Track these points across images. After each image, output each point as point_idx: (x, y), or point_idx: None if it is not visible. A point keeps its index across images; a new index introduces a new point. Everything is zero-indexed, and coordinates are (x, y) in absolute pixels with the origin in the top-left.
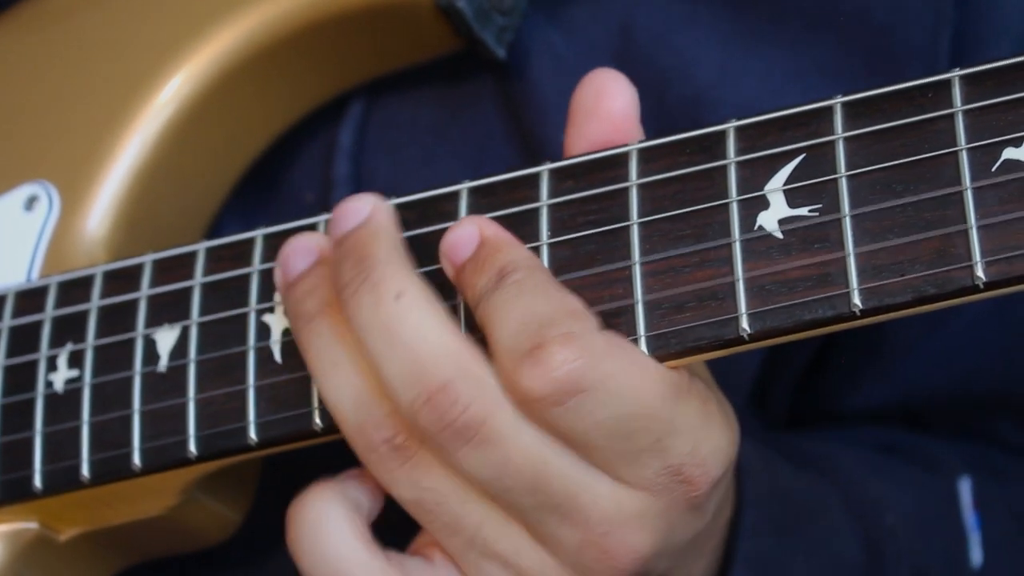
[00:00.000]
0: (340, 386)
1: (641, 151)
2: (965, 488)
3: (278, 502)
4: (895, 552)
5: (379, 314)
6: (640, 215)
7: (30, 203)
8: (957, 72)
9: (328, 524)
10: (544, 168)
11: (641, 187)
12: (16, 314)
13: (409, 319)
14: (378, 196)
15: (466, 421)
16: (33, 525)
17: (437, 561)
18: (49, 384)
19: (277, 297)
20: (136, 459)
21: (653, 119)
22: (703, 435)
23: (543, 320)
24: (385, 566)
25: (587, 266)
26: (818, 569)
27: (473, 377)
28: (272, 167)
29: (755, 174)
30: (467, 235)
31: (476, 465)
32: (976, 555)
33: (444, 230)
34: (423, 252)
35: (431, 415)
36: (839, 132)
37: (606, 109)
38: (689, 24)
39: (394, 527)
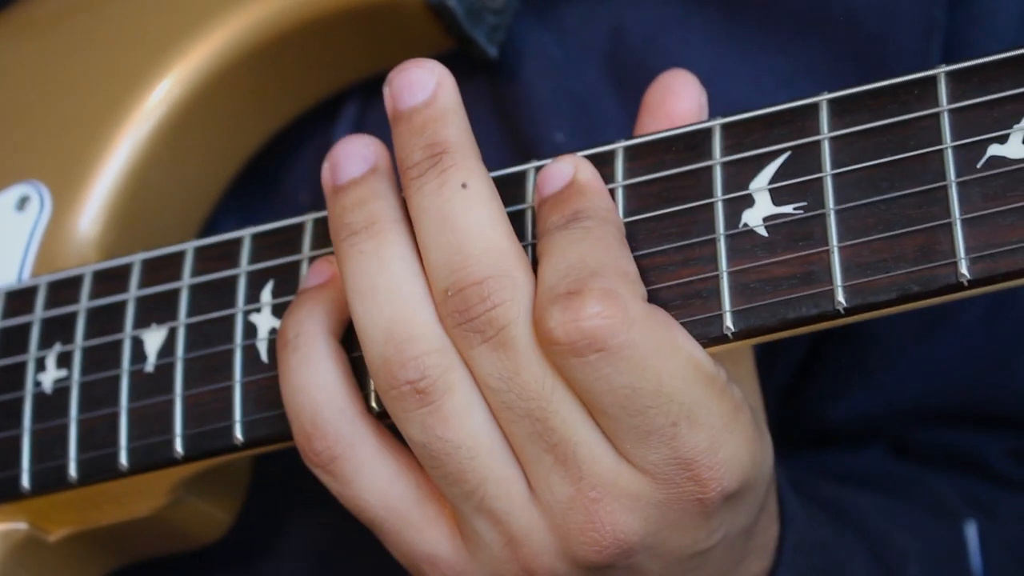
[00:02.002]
0: (374, 313)
1: (627, 148)
2: (972, 533)
3: (269, 503)
4: None
5: (440, 199)
6: (625, 214)
7: (22, 203)
8: (943, 69)
9: (315, 372)
10: (530, 166)
11: (627, 186)
12: (5, 315)
13: (467, 210)
14: (438, 64)
15: (489, 319)
16: (22, 525)
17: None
18: (37, 384)
19: (264, 297)
20: (123, 459)
21: None
22: (725, 437)
23: (592, 269)
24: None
25: None
26: None
27: (510, 281)
28: (268, 167)
29: (740, 172)
30: (560, 171)
31: (487, 367)
32: None
33: None
34: None
35: (459, 304)
36: (825, 130)
37: (668, 109)
38: (680, 27)
39: None
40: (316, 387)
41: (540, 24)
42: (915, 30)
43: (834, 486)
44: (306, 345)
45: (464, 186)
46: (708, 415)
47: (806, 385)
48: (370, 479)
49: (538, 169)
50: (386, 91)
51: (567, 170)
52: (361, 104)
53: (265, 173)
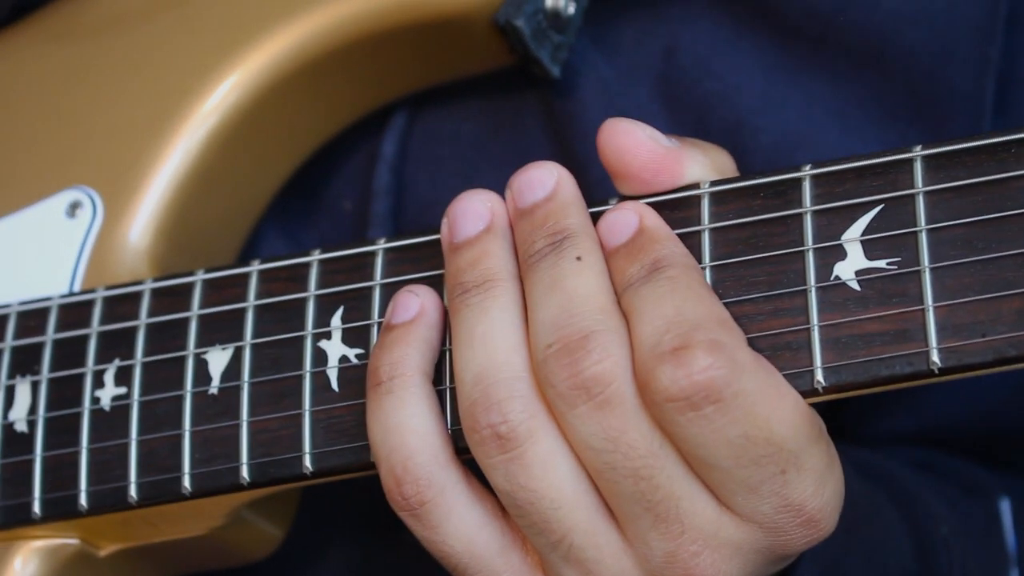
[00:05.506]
0: (468, 358)
1: (713, 194)
2: (1006, 509)
3: (306, 520)
4: (948, 564)
5: (555, 269)
6: (712, 258)
7: (72, 209)
8: None
9: (411, 416)
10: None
11: (713, 230)
12: (61, 327)
13: (578, 276)
14: (557, 164)
15: (595, 374)
16: (74, 541)
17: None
18: (96, 400)
19: (334, 322)
20: (187, 483)
21: None
22: (827, 477)
23: (692, 322)
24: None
25: None
26: (872, 571)
27: (616, 337)
28: (312, 175)
29: (832, 222)
30: (625, 220)
31: (590, 428)
32: None
33: None
34: None
35: (562, 359)
36: (919, 184)
37: (636, 168)
38: (733, 50)
39: None
40: (410, 431)
41: (592, 44)
42: (970, 70)
43: (866, 451)
44: (402, 388)
45: (579, 259)
46: (812, 459)
47: (845, 404)
48: (457, 526)
49: (596, 215)
50: (508, 193)
51: (632, 219)
52: (410, 116)
53: (310, 181)
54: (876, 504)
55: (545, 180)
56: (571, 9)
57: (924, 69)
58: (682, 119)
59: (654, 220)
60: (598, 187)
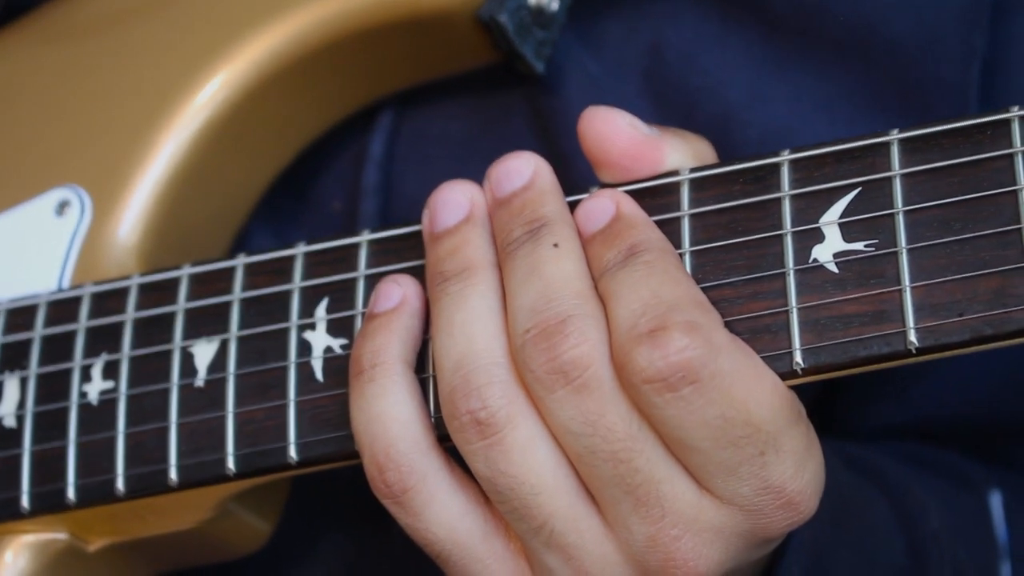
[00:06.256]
0: (448, 346)
1: (692, 180)
2: (996, 502)
3: (299, 512)
4: (939, 557)
5: (532, 256)
6: (691, 243)
7: (61, 208)
8: (1017, 112)
9: (393, 404)
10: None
11: (693, 216)
12: (49, 323)
13: (556, 262)
14: (535, 154)
15: (572, 358)
16: (63, 535)
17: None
18: (83, 395)
19: (319, 313)
20: (173, 475)
21: None
22: (807, 459)
23: (669, 304)
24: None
25: None
26: (862, 565)
27: (593, 321)
28: (300, 175)
29: (810, 206)
30: (602, 207)
31: (569, 412)
32: (1006, 571)
33: None
34: None
35: (540, 344)
36: (896, 167)
37: (615, 155)
38: (719, 45)
39: None
40: (392, 419)
41: (578, 41)
42: (956, 60)
43: (856, 445)
44: (383, 376)
45: (556, 245)
46: (791, 440)
47: (835, 395)
48: (439, 512)
49: (574, 204)
50: (486, 184)
51: (608, 206)
52: (397, 115)
53: (298, 180)
54: (866, 498)
55: (522, 170)
56: (555, 5)
57: (910, 59)
58: (669, 115)
59: (630, 207)
60: (584, 182)
